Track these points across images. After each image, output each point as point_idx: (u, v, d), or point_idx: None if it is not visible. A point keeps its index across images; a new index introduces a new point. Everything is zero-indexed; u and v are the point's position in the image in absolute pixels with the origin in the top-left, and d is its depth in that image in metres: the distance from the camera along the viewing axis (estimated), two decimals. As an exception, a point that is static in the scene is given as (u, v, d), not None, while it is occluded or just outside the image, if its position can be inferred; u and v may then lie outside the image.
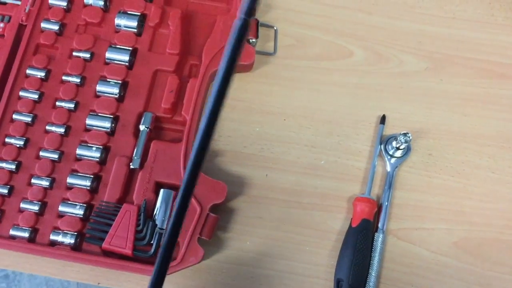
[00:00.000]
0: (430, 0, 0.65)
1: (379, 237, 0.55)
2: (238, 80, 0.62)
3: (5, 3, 0.62)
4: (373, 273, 0.53)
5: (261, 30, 0.63)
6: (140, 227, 0.52)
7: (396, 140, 0.56)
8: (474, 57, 0.63)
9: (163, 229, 0.52)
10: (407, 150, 0.58)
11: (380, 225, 0.55)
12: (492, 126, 0.61)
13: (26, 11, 0.60)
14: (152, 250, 0.52)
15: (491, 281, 0.55)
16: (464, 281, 0.55)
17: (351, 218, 0.56)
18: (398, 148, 0.57)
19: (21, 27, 0.60)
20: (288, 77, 0.63)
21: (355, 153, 0.60)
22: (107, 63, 0.59)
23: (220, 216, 0.55)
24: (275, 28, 0.64)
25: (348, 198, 0.58)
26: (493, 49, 0.64)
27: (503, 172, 0.59)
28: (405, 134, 0.55)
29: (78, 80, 0.58)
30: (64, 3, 0.61)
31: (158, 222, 0.53)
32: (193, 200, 0.53)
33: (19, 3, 0.61)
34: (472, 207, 0.57)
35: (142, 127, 0.56)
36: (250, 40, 0.60)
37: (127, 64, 0.59)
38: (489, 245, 0.56)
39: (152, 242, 0.52)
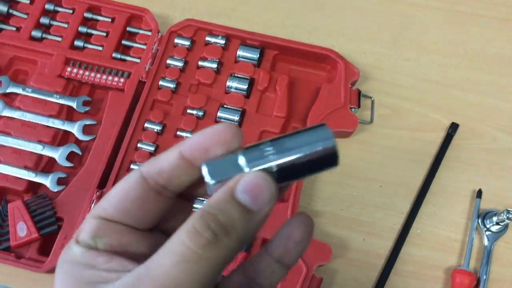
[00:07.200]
0: (522, 81, 0.69)
1: (479, 312, 0.55)
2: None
3: (125, 60, 0.67)
4: None
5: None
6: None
7: (496, 216, 0.58)
8: None
9: None
10: (505, 226, 0.59)
11: (480, 299, 0.56)
12: None
13: (146, 69, 0.65)
14: None
15: None
16: None
17: (450, 290, 0.56)
18: (497, 223, 0.58)
19: (139, 83, 0.65)
20: (384, 145, 0.65)
21: (451, 224, 0.61)
22: (217, 122, 0.63)
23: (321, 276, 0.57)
24: (372, 98, 0.68)
25: (445, 269, 0.59)
26: None
27: None
28: (508, 211, 0.56)
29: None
30: (181, 64, 0.66)
31: None
32: (299, 260, 0.55)
33: (138, 60, 0.67)
34: None
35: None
36: (353, 109, 0.64)
37: (236, 123, 0.63)
38: None
39: None
